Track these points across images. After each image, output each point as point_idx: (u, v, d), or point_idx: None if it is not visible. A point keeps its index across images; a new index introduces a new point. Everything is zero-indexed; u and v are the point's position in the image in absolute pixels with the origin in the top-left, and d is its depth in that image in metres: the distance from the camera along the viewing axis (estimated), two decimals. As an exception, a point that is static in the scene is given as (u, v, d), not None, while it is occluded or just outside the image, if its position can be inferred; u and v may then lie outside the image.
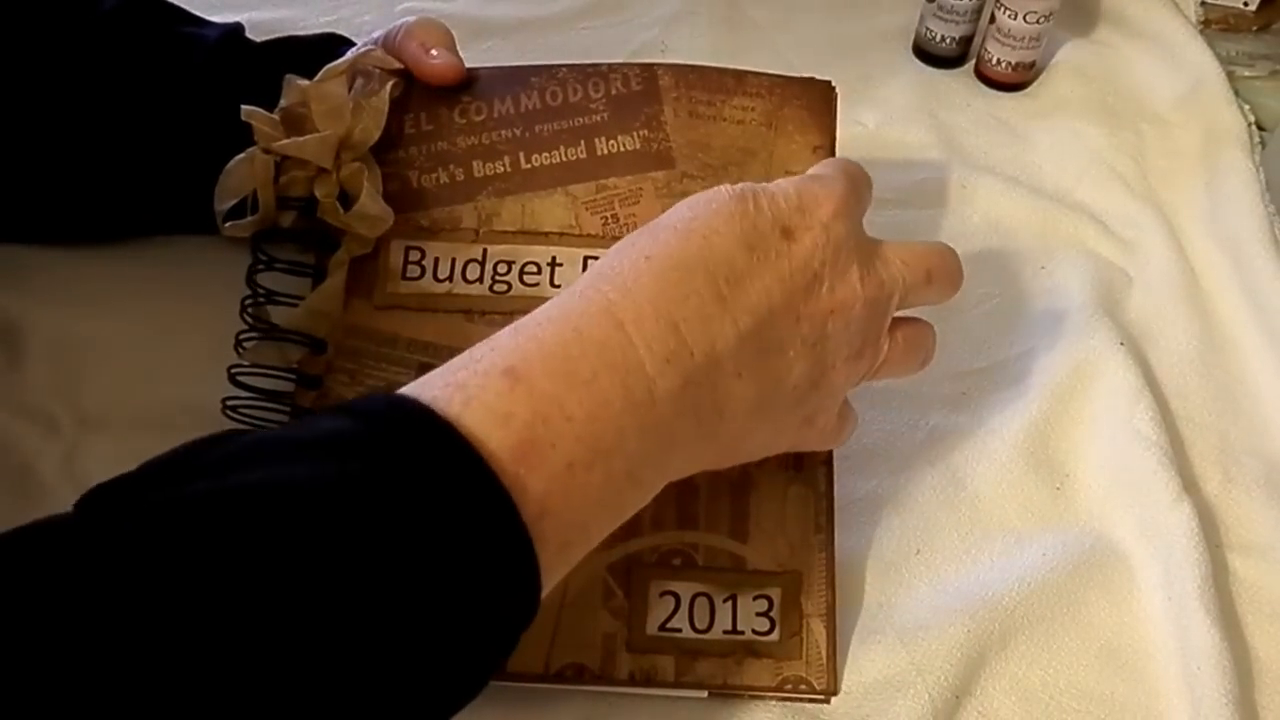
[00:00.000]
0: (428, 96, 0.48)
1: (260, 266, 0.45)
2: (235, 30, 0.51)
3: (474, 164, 0.47)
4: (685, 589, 0.42)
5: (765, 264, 0.36)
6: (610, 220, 0.46)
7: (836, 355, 0.38)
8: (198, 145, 0.47)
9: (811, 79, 0.48)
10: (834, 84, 0.49)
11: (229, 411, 0.43)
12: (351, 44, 0.51)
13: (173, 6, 0.51)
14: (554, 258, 0.45)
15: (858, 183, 0.40)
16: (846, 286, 0.37)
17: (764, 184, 0.38)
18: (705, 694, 0.41)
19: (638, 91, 0.48)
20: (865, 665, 0.43)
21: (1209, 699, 0.42)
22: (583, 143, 0.47)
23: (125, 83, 0.47)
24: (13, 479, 0.45)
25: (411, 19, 0.50)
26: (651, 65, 0.48)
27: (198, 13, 0.52)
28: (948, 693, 0.42)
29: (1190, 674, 0.43)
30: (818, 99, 0.48)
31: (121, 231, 0.52)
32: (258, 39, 0.52)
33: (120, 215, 0.51)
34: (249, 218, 0.46)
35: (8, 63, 0.46)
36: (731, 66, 0.49)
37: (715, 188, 0.37)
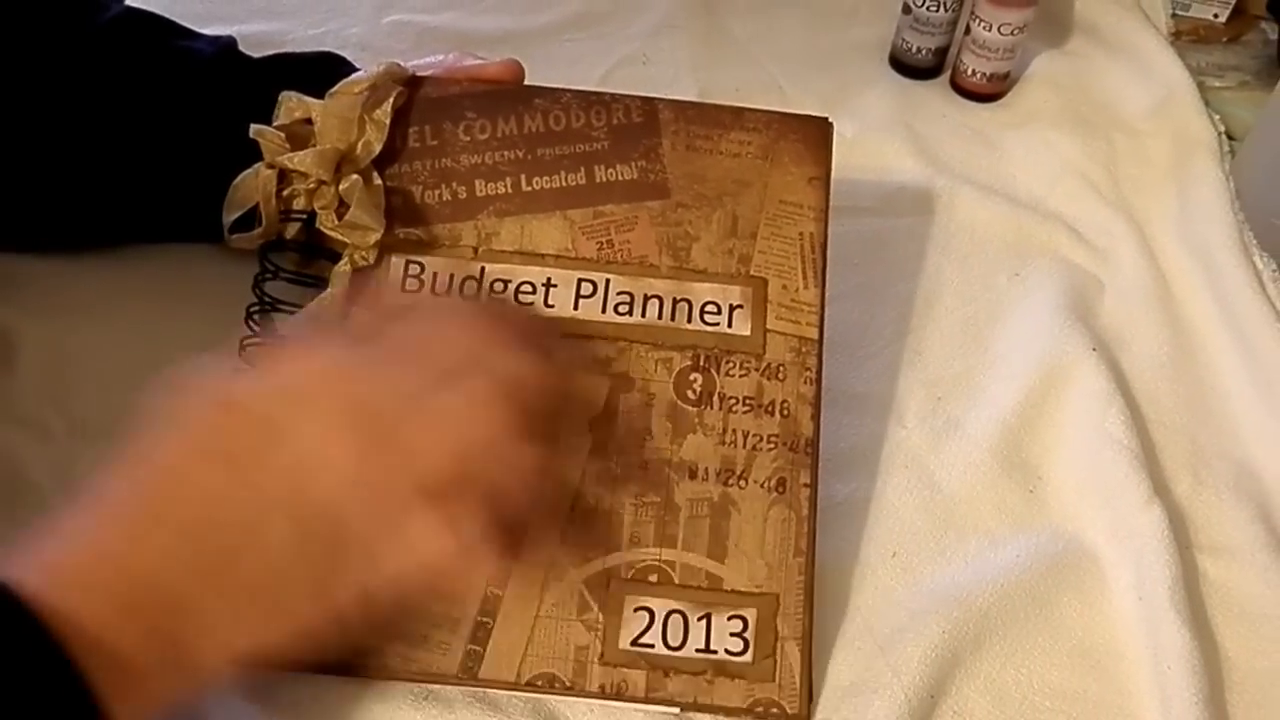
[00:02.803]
0: (432, 110, 0.49)
1: (266, 276, 0.46)
2: (230, 45, 0.51)
3: (476, 183, 0.48)
4: (660, 605, 0.42)
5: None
6: (605, 245, 0.47)
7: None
8: (195, 159, 0.48)
9: (809, 115, 0.50)
10: (830, 120, 0.50)
11: None
12: (348, 63, 0.52)
13: (167, 20, 0.52)
14: (549, 279, 0.46)
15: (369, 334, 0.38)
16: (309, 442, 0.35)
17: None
18: (678, 711, 0.42)
19: (638, 123, 0.49)
20: (841, 666, 0.44)
21: (1179, 697, 0.43)
22: (582, 169, 0.48)
23: (123, 96, 0.48)
24: (4, 486, 0.46)
25: (451, 56, 0.51)
26: (653, 99, 0.49)
27: (188, 25, 0.52)
28: (923, 692, 0.43)
29: (1161, 673, 0.44)
30: (814, 133, 0.49)
31: (119, 241, 0.52)
32: (249, 52, 0.52)
33: (118, 226, 0.51)
34: (255, 230, 0.47)
35: (5, 75, 0.47)
36: (717, 72, 0.49)
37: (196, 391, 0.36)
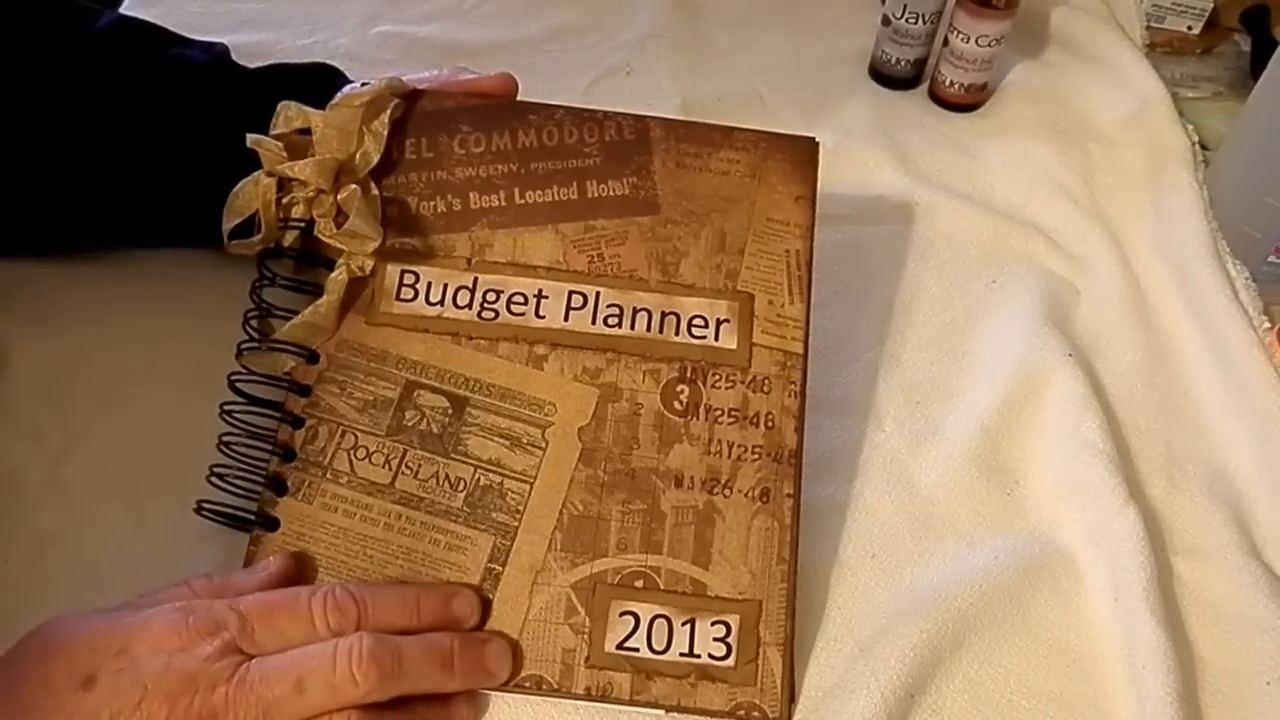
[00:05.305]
0: (428, 123, 0.49)
1: (264, 282, 0.47)
2: (223, 53, 0.52)
3: (471, 195, 0.49)
4: (645, 610, 0.43)
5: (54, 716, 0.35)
6: (596, 259, 0.48)
7: None
8: (190, 166, 0.48)
9: (796, 135, 0.50)
10: (817, 140, 0.50)
11: (225, 415, 0.45)
12: (341, 74, 0.52)
13: (160, 28, 0.52)
14: (540, 290, 0.47)
15: (207, 611, 0.38)
16: None
17: (91, 622, 0.37)
18: (662, 713, 0.42)
19: (630, 140, 0.50)
20: (822, 666, 0.45)
21: (1154, 697, 0.44)
22: (575, 184, 0.49)
23: (118, 104, 0.48)
24: (-1, 491, 0.46)
25: (446, 70, 0.52)
26: (644, 117, 0.50)
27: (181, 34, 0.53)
28: (901, 691, 0.44)
29: (1136, 673, 0.45)
30: (801, 153, 0.50)
31: (115, 247, 0.53)
32: (240, 62, 0.52)
33: (114, 232, 0.52)
34: (254, 236, 0.48)
35: (1, 84, 0.47)
36: (699, 83, 0.49)
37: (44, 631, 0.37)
